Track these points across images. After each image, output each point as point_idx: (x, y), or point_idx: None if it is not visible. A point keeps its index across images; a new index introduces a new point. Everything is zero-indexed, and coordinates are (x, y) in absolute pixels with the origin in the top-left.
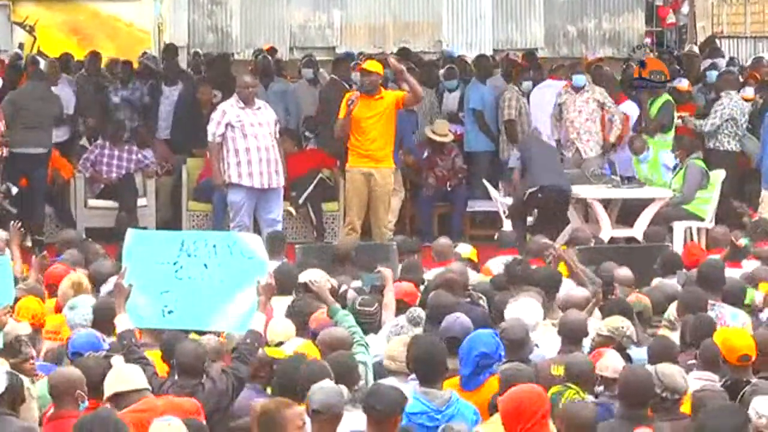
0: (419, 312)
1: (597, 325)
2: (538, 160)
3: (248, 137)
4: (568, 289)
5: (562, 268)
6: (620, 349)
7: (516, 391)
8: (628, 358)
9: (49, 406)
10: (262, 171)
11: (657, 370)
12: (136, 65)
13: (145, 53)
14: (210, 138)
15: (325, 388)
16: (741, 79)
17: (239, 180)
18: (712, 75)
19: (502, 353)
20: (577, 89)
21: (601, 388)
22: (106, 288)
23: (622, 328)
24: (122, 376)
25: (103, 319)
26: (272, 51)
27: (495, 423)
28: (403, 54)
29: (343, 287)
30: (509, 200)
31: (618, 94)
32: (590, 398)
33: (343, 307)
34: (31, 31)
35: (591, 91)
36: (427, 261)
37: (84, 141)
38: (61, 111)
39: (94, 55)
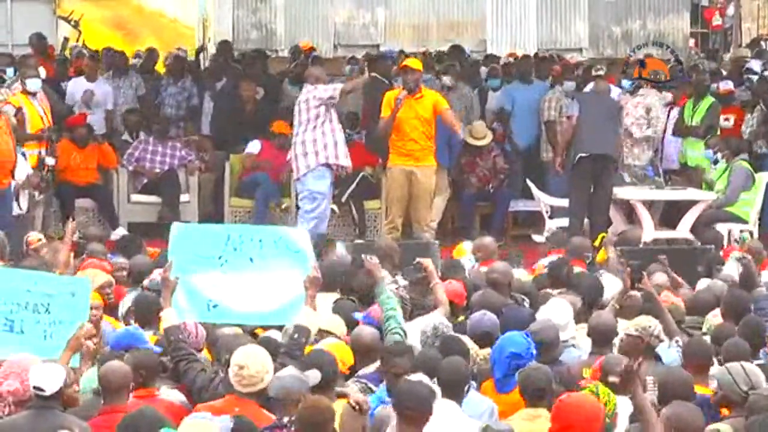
0: (442, 322)
1: (625, 325)
2: (590, 122)
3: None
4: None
5: (601, 255)
6: (648, 348)
7: (578, 401)
8: (657, 359)
9: None
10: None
11: (745, 368)
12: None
13: (179, 49)
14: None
15: (283, 377)
16: None
17: (337, 161)
18: (752, 78)
19: (534, 352)
20: (631, 92)
21: None
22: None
23: (650, 327)
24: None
25: (143, 313)
26: (311, 49)
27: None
28: (455, 52)
29: (392, 286)
30: (552, 200)
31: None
32: (624, 398)
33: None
34: (75, 25)
35: (645, 95)
36: None
37: (126, 136)
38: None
39: (152, 52)
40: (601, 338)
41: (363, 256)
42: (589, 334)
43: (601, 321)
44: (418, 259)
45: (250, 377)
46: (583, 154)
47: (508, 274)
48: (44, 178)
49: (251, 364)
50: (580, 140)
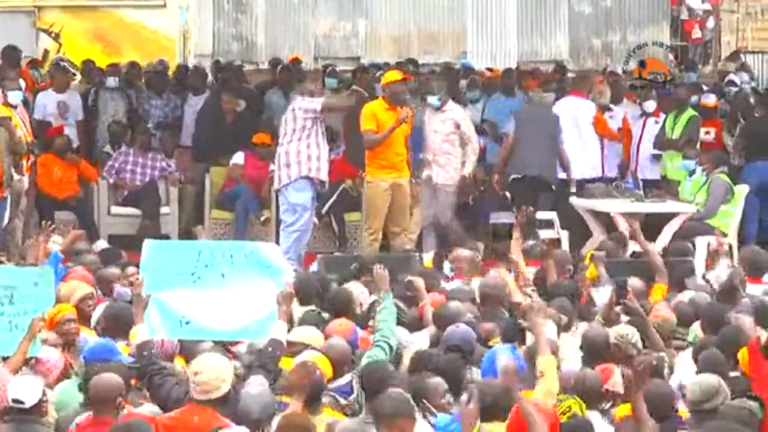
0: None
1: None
2: (526, 141)
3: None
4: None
5: (591, 272)
6: (627, 356)
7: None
8: None
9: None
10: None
11: (697, 381)
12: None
13: (161, 61)
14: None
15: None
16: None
17: (317, 174)
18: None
19: (524, 364)
20: (438, 108)
21: (609, 404)
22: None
23: (627, 335)
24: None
25: (115, 326)
26: (296, 61)
27: None
28: (447, 72)
29: (373, 297)
30: None
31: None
32: (594, 413)
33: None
34: (56, 38)
35: (452, 110)
36: None
37: (108, 148)
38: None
39: (133, 66)
40: (593, 351)
41: (376, 265)
42: (581, 347)
43: (594, 334)
44: (408, 278)
45: (205, 384)
46: (517, 176)
47: (500, 289)
48: (30, 180)
49: (206, 370)
50: (515, 160)
